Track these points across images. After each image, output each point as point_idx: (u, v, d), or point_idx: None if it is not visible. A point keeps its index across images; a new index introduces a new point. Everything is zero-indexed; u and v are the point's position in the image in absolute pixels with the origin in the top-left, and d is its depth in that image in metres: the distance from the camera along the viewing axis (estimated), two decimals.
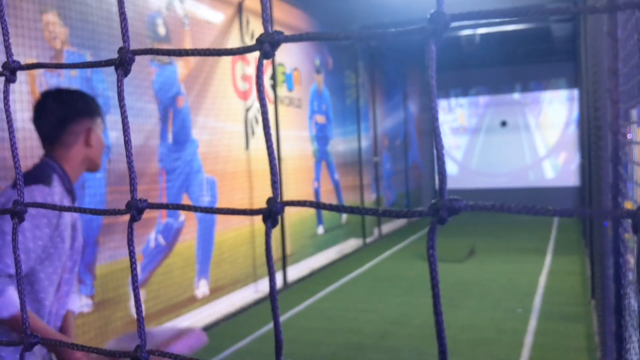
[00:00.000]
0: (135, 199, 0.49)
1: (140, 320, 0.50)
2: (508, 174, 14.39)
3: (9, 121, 0.56)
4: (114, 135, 4.75)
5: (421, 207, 0.45)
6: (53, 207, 0.55)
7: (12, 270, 1.78)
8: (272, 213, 0.46)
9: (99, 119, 2.07)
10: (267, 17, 0.45)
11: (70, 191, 2.00)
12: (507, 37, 12.42)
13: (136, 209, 0.48)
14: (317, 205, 0.46)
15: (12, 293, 1.78)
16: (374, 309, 6.01)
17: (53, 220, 1.88)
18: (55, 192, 1.92)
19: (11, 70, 0.51)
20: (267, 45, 0.43)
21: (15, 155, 0.54)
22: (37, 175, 1.89)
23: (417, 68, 14.49)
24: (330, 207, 0.46)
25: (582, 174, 9.69)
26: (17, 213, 0.50)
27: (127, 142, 0.52)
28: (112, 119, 4.74)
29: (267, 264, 0.47)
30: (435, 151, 0.44)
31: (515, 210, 0.40)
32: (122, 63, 0.49)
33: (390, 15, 9.49)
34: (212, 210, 0.50)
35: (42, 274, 1.90)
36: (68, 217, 1.98)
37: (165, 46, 5.37)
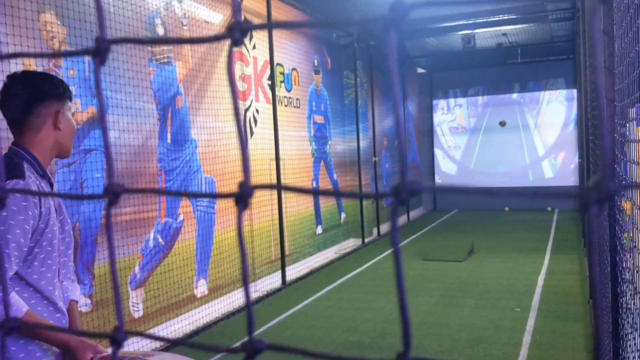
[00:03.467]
0: (112, 183, 0.50)
1: (118, 302, 0.51)
2: (507, 173, 14.40)
3: None
4: (113, 135, 4.76)
5: (386, 192, 0.45)
6: (37, 192, 0.56)
7: (9, 274, 1.79)
8: (243, 196, 0.47)
9: (68, 103, 2.03)
10: (237, 7, 0.46)
11: (44, 175, 1.97)
12: (505, 37, 12.44)
13: (113, 193, 0.49)
14: (287, 188, 0.47)
15: (15, 298, 1.78)
16: (372, 308, 6.02)
17: (35, 210, 1.85)
18: (31, 183, 1.89)
19: None
20: (237, 33, 0.44)
21: None
22: (9, 169, 1.84)
23: (416, 68, 14.51)
24: (300, 190, 0.47)
25: (581, 173, 9.70)
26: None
27: (104, 129, 0.54)
28: (110, 119, 4.76)
29: (239, 245, 0.48)
30: (397, 137, 0.45)
31: (473, 191, 0.41)
32: (99, 52, 0.50)
33: None
34: (185, 194, 0.50)
35: (36, 262, 1.89)
36: (50, 201, 1.94)
37: (164, 47, 5.39)
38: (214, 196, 0.49)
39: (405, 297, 0.45)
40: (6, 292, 0.56)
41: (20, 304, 1.77)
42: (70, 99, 2.05)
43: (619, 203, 2.49)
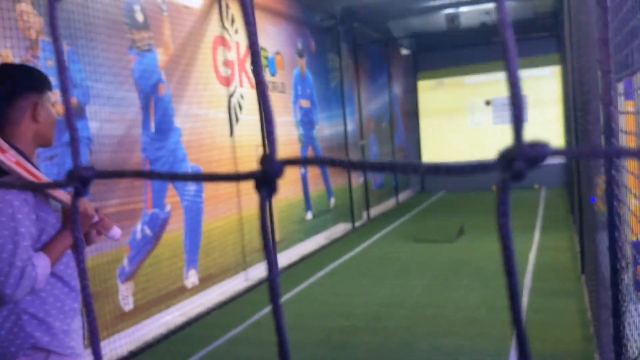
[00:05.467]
0: (78, 166, 0.39)
1: (93, 331, 0.43)
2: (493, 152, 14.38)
3: None
4: (95, 125, 4.63)
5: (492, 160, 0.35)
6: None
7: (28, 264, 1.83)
8: (268, 176, 0.36)
9: (48, 93, 2.03)
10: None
11: (32, 163, 1.96)
12: (490, 14, 12.37)
13: (80, 179, 0.38)
14: (323, 161, 0.38)
15: (37, 271, 1.81)
16: (365, 292, 5.98)
17: (30, 201, 1.88)
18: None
19: None
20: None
21: None
22: None
23: (400, 49, 14.40)
24: (344, 164, 0.38)
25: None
26: None
27: (64, 89, 0.44)
28: (92, 109, 4.63)
29: (264, 244, 0.39)
30: (510, 89, 0.35)
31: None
32: None
33: None
34: (193, 178, 0.41)
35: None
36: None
37: (144, 33, 5.25)
38: (229, 179, 0.39)
39: (518, 293, 0.36)
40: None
41: (41, 266, 1.83)
42: (50, 89, 2.04)
43: (616, 177, 2.44)
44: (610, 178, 2.31)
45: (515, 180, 0.32)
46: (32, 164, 1.94)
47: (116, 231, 2.11)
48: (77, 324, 2.02)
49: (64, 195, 1.92)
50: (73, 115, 0.41)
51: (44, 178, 1.88)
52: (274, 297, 0.38)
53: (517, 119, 0.32)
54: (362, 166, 0.37)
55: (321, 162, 0.37)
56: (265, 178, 0.35)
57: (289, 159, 0.35)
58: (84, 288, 0.42)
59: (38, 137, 1.99)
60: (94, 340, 0.41)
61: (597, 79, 2.76)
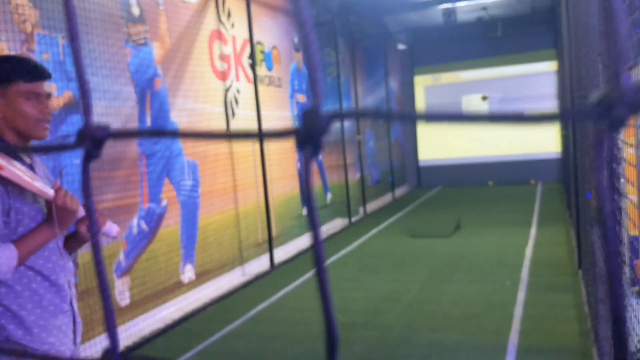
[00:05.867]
0: (90, 125, 0.35)
1: (109, 313, 0.41)
2: (491, 147, 14.40)
3: None
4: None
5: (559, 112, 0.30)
6: None
7: None
8: (313, 132, 0.33)
9: (22, 84, 1.88)
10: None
11: (17, 156, 1.90)
12: (486, 10, 12.36)
13: (92, 139, 0.34)
14: (377, 113, 0.35)
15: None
16: (363, 286, 5.97)
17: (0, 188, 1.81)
18: None
19: None
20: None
21: None
22: None
23: (397, 44, 14.37)
24: (418, 116, 0.34)
25: (564, 145, 9.70)
26: None
27: (75, 50, 0.41)
28: None
29: (309, 218, 0.35)
30: (609, 18, 0.32)
31: None
32: None
33: None
34: (228, 136, 0.37)
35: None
36: (24, 177, 1.87)
37: (140, 27, 5.21)
38: (270, 136, 0.36)
39: (619, 264, 0.31)
40: None
41: (4, 257, 1.76)
42: (27, 80, 1.89)
43: (617, 170, 2.43)
44: (610, 171, 2.30)
45: (614, 129, 0.27)
46: (18, 157, 1.89)
47: (112, 227, 2.00)
48: (62, 321, 1.96)
49: (41, 188, 1.85)
50: (83, 67, 0.39)
51: (19, 168, 1.79)
52: (319, 270, 0.36)
53: (618, 56, 0.29)
54: (429, 117, 0.33)
55: (375, 114, 0.34)
56: (310, 134, 0.31)
57: (336, 112, 0.32)
58: (101, 277, 0.40)
59: (16, 131, 1.89)
60: (111, 333, 0.38)
61: (597, 73, 2.74)
